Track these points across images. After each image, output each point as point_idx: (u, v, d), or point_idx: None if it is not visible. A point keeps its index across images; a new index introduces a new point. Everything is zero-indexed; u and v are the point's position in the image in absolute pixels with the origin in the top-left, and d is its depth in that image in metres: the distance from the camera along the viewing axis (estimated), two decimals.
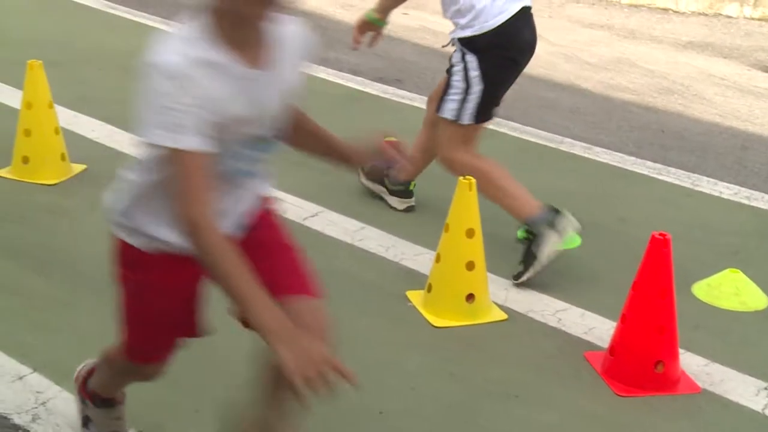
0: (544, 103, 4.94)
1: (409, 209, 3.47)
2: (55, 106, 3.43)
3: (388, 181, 3.50)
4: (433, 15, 6.35)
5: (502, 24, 2.90)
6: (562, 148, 4.20)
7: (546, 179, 3.85)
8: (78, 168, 3.51)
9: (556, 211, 2.93)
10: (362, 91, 4.75)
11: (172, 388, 2.13)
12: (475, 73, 2.95)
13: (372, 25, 3.19)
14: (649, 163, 4.10)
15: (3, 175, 3.40)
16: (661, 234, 2.37)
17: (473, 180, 2.67)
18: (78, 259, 2.92)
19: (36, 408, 2.20)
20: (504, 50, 2.95)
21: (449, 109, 3.01)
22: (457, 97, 2.98)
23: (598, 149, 4.23)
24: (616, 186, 3.84)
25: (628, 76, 5.48)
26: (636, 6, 7.03)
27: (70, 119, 3.87)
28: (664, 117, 4.89)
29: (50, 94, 3.38)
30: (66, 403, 2.22)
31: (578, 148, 4.20)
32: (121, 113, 4.06)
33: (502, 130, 4.35)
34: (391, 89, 4.83)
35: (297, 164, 3.74)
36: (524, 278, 2.93)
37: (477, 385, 2.45)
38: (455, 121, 3.01)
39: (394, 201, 3.45)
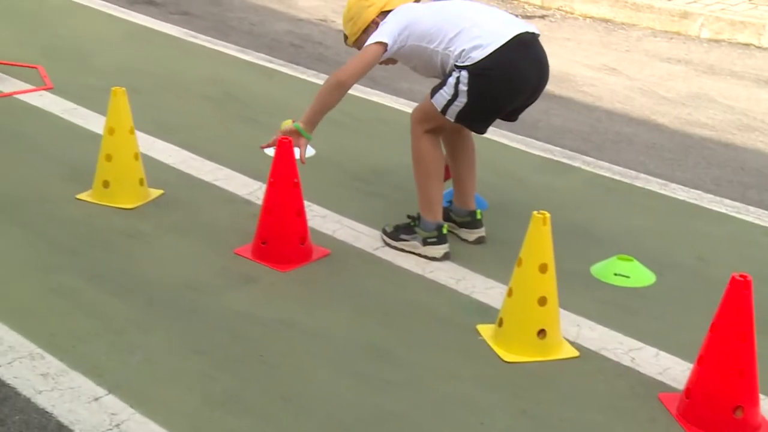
0: (619, 137, 4.88)
1: (479, 240, 3.45)
2: (135, 131, 3.50)
3: (453, 214, 3.48)
4: None
5: (489, 56, 3.06)
6: (638, 183, 4.13)
7: (620, 215, 3.79)
8: (155, 193, 3.58)
9: (440, 237, 3.25)
10: None
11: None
12: (463, 87, 3.10)
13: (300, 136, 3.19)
14: (728, 201, 4.01)
15: (84, 198, 3.49)
16: (741, 275, 2.31)
17: (547, 215, 2.65)
18: (154, 283, 2.97)
19: (110, 429, 2.24)
20: (492, 78, 3.09)
21: (438, 102, 3.16)
22: (447, 97, 3.13)
23: (674, 186, 4.15)
24: (694, 224, 3.76)
25: (707, 111, 5.38)
26: (716, 41, 6.92)
27: (148, 144, 3.96)
28: (743, 154, 4.78)
29: (132, 120, 3.46)
30: (139, 426, 2.26)
31: (654, 185, 4.13)
32: (197, 139, 4.15)
33: (575, 164, 4.31)
34: None
35: (369, 194, 3.79)
36: (389, 240, 3.32)
37: (550, 423, 2.41)
38: (439, 112, 3.17)
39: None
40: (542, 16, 7.11)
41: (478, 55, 3.07)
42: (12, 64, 4.82)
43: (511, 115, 3.35)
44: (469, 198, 3.47)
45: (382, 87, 5.24)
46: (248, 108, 4.65)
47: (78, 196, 3.49)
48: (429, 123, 3.23)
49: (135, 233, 3.29)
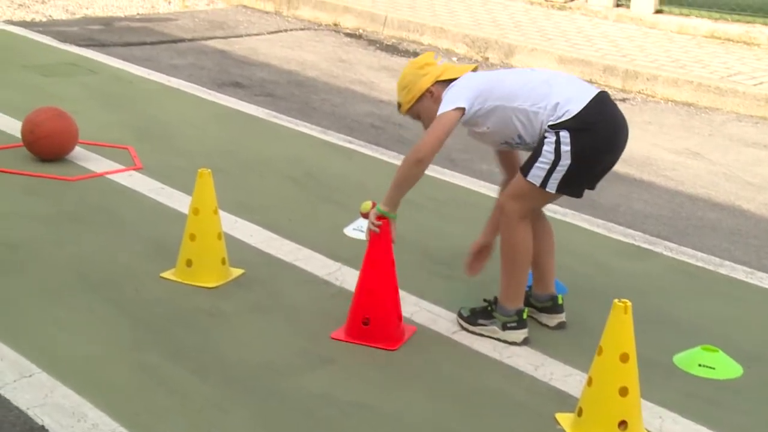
0: (702, 223, 4.79)
1: (560, 326, 3.40)
2: (219, 211, 3.59)
3: (533, 299, 3.45)
4: None
5: (588, 105, 3.04)
6: (722, 271, 4.04)
7: (704, 304, 3.71)
8: (236, 272, 3.65)
9: (520, 321, 3.21)
10: None
11: None
12: (566, 148, 3.02)
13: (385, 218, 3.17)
14: None
15: (168, 276, 3.57)
16: None
17: (629, 303, 2.61)
18: (234, 363, 3.00)
19: None
20: (597, 130, 3.05)
21: (535, 175, 3.07)
22: (546, 167, 3.04)
23: (761, 274, 4.04)
24: None
25: None
26: None
27: (230, 224, 4.04)
28: None
29: (216, 201, 3.55)
30: None
31: (740, 273, 4.03)
32: (278, 220, 4.22)
33: (657, 249, 4.24)
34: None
35: (447, 277, 3.79)
36: (466, 325, 3.30)
37: None
38: (539, 187, 3.08)
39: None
40: (623, 99, 7.10)
41: (577, 107, 3.03)
42: (104, 145, 5.00)
43: (596, 180, 3.25)
44: (550, 283, 3.43)
45: (461, 168, 5.27)
46: (328, 188, 4.72)
47: (162, 275, 3.57)
48: (523, 206, 3.15)
49: (216, 312, 3.34)
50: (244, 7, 9.74)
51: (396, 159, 5.21)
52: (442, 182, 4.95)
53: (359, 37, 8.82)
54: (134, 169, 4.71)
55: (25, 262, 3.59)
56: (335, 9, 9.23)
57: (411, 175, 3.12)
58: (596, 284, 3.83)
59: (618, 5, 9.61)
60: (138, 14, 8.90)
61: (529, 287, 3.45)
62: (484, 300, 3.35)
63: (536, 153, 3.08)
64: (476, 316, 3.32)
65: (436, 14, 9.13)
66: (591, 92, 3.11)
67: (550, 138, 3.03)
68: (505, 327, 3.24)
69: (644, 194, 5.17)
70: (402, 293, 3.50)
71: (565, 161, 3.02)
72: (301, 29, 8.97)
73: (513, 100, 3.10)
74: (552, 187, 3.07)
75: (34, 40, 7.30)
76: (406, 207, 4.14)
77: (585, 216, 4.63)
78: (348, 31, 8.99)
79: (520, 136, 3.14)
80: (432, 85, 3.20)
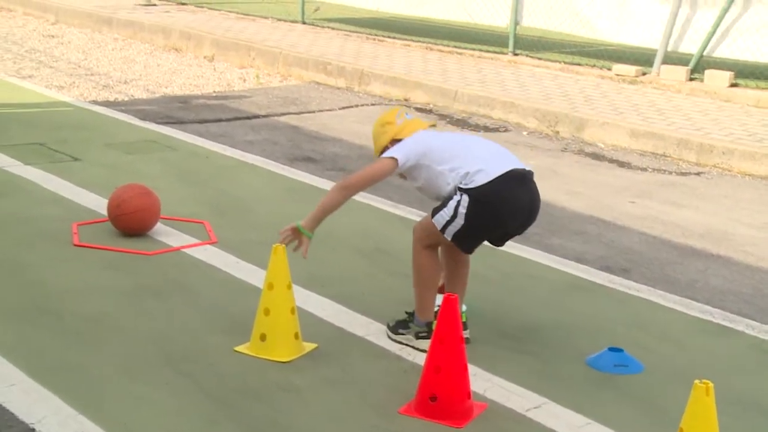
0: None
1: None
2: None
3: None
4: (661, 204, 6.27)
5: (491, 181, 3.47)
6: None
7: None
8: (309, 346, 3.67)
9: (429, 332, 3.59)
10: (586, 280, 4.69)
11: None
12: (462, 210, 3.49)
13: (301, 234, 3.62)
14: None
15: (242, 350, 3.60)
16: None
17: (710, 385, 2.54)
18: None
19: None
20: (491, 204, 3.50)
21: (438, 222, 3.56)
22: (446, 218, 3.53)
23: None
24: None
25: None
26: None
27: (303, 298, 4.07)
28: None
29: (289, 276, 3.59)
30: None
31: None
32: (349, 293, 4.24)
33: (738, 327, 4.14)
34: (617, 279, 4.74)
35: (519, 351, 3.75)
36: (390, 333, 3.77)
37: None
38: (439, 230, 3.56)
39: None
40: (698, 173, 7.01)
41: (481, 180, 3.48)
42: (181, 220, 5.12)
43: (497, 241, 3.75)
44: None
45: (531, 242, 5.25)
46: (398, 262, 4.73)
47: (236, 349, 3.61)
48: (428, 239, 3.64)
49: (289, 387, 3.35)
50: (317, 83, 9.96)
51: None
52: (511, 255, 4.93)
53: (430, 111, 8.93)
54: (210, 244, 4.80)
55: (105, 335, 3.66)
56: (406, 84, 9.38)
57: (334, 199, 3.60)
58: (674, 363, 3.74)
59: (691, 79, 9.57)
60: (214, 92, 9.17)
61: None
62: (405, 312, 3.84)
63: (444, 203, 3.57)
64: (398, 326, 3.79)
65: (506, 89, 9.20)
66: (504, 167, 3.52)
67: (456, 197, 3.51)
68: (417, 336, 3.71)
69: (722, 270, 5.06)
70: (473, 368, 3.46)
71: (460, 221, 3.50)
72: (372, 104, 9.12)
73: (439, 164, 3.56)
74: (448, 235, 3.56)
75: (116, 119, 7.57)
76: (475, 281, 4.15)
77: (660, 292, 4.55)
78: (418, 105, 9.11)
79: (440, 193, 3.61)
80: (389, 142, 3.70)
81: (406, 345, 3.72)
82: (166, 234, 4.89)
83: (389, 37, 11.82)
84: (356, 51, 10.86)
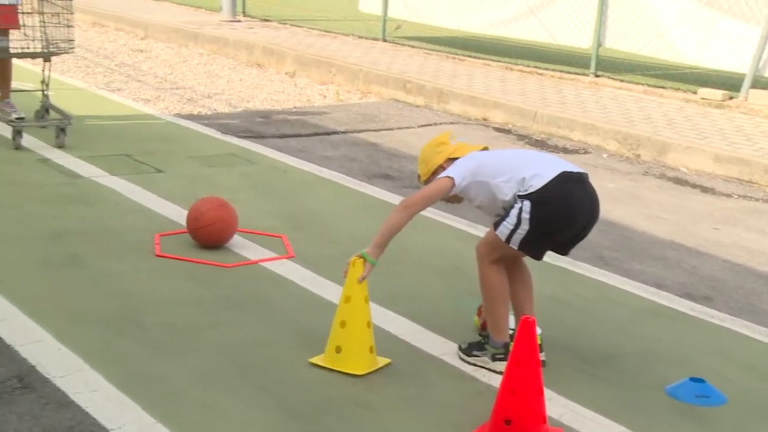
0: None
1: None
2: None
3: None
4: (747, 231, 6.11)
5: (548, 183, 3.51)
6: None
7: None
8: (383, 361, 3.68)
9: (506, 353, 3.52)
10: (667, 307, 4.59)
11: None
12: (526, 216, 3.51)
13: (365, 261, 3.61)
14: None
15: (316, 362, 3.63)
16: None
17: None
18: None
19: None
20: (554, 205, 3.52)
21: (503, 233, 3.59)
22: (510, 227, 3.55)
23: None
24: None
25: None
26: None
27: (379, 315, 4.07)
28: None
29: (367, 290, 3.60)
30: None
31: None
32: (425, 312, 4.23)
33: None
34: (698, 307, 4.63)
35: (598, 378, 3.68)
36: (463, 356, 3.74)
37: None
38: (503, 241, 3.59)
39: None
40: None
41: (539, 183, 3.52)
42: (259, 233, 5.19)
43: (563, 247, 3.74)
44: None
45: (611, 267, 5.16)
46: (475, 282, 4.67)
47: (311, 360, 3.64)
48: (494, 253, 3.66)
49: (363, 403, 3.35)
50: (396, 100, 10.01)
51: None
52: (591, 280, 4.86)
53: (508, 131, 8.88)
54: (287, 258, 4.85)
55: (183, 345, 3.72)
56: (485, 104, 9.35)
57: (396, 220, 3.61)
58: (759, 396, 3.62)
59: None
60: (294, 107, 9.29)
61: (513, 330, 3.73)
62: (479, 334, 3.85)
63: (504, 215, 3.59)
64: (472, 348, 3.77)
65: (586, 110, 9.10)
66: (555, 171, 3.56)
67: (517, 205, 3.54)
68: (494, 358, 3.69)
69: None
70: (549, 392, 3.42)
71: (525, 227, 3.53)
72: (451, 123, 9.11)
73: (494, 177, 3.61)
74: (514, 244, 3.58)
75: (199, 132, 7.72)
76: (552, 304, 4.09)
77: (745, 321, 4.43)
78: (497, 125, 9.07)
79: (503, 205, 3.62)
80: (445, 161, 3.75)
81: (481, 367, 3.70)
82: (244, 247, 4.95)
83: (469, 56, 11.82)
84: (436, 69, 10.89)
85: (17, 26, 6.64)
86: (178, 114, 8.40)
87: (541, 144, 8.43)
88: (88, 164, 6.28)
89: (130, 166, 6.35)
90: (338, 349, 3.59)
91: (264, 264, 4.74)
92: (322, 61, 10.96)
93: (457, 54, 11.92)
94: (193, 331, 3.86)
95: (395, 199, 6.18)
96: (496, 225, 3.60)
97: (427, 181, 3.79)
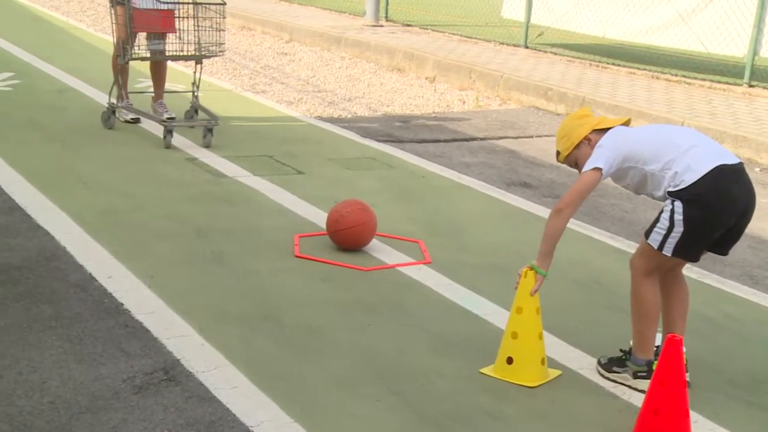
0: None
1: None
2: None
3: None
4: None
5: (701, 178, 3.33)
6: None
7: None
8: (554, 373, 3.65)
9: (649, 372, 3.45)
10: None
11: None
12: (679, 217, 3.37)
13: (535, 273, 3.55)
14: None
15: (487, 372, 3.62)
16: None
17: None
18: None
19: None
20: (707, 202, 3.35)
21: (654, 239, 3.45)
22: (663, 232, 3.41)
23: None
24: None
25: None
26: None
27: None
28: None
29: (539, 301, 3.56)
30: None
31: None
32: (564, 325, 4.13)
33: None
34: None
35: (749, 404, 3.50)
36: (602, 371, 3.63)
37: None
38: (656, 250, 3.44)
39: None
40: None
41: (691, 178, 3.34)
42: (397, 238, 5.20)
43: (722, 247, 3.53)
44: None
45: (762, 287, 4.92)
46: (616, 297, 4.57)
47: (481, 371, 3.63)
48: (648, 266, 3.51)
49: (497, 414, 3.30)
50: (536, 108, 9.87)
51: (686, 270, 4.96)
52: (740, 299, 4.64)
53: None
54: (423, 263, 4.84)
55: (321, 346, 3.77)
56: (629, 113, 9.09)
57: (555, 226, 3.53)
58: None
59: None
60: (434, 113, 9.29)
61: (658, 347, 3.64)
62: (620, 350, 3.68)
63: (657, 219, 3.46)
64: (612, 364, 3.64)
65: (738, 122, 8.72)
66: (709, 165, 3.35)
67: (668, 206, 3.40)
68: (635, 376, 3.56)
69: None
70: (695, 415, 3.28)
71: (679, 228, 3.37)
72: None
73: (645, 164, 3.46)
74: (668, 250, 3.43)
75: (339, 135, 7.82)
76: (702, 323, 3.91)
77: None
78: None
79: (652, 193, 3.51)
80: (590, 133, 3.58)
81: (621, 384, 3.59)
82: (381, 250, 4.98)
83: (614, 64, 11.53)
84: (578, 77, 10.67)
85: (174, 30, 6.91)
86: (319, 116, 8.54)
87: None
88: (233, 164, 6.46)
89: (272, 167, 6.50)
90: (510, 360, 3.56)
91: (400, 268, 4.74)
92: (462, 66, 10.92)
93: (601, 62, 11.65)
94: (330, 333, 3.89)
95: (534, 208, 6.09)
96: (648, 233, 3.47)
97: (568, 158, 3.65)
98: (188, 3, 6.93)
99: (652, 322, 3.54)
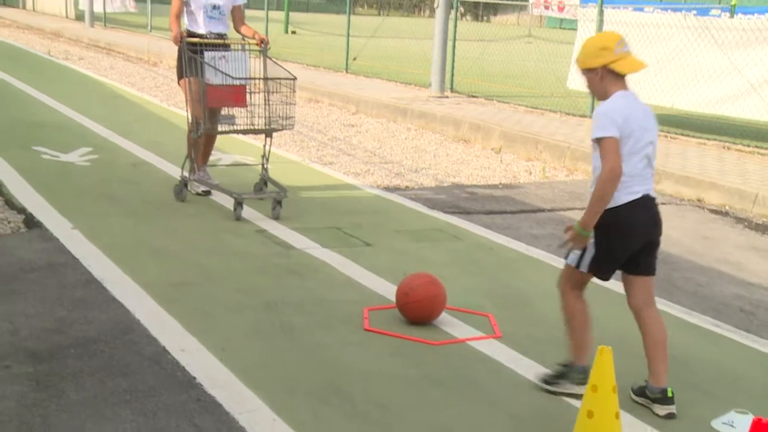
0: None
1: (669, 416, 3.91)
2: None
3: (647, 390, 4.00)
4: None
5: (615, 208, 3.82)
6: None
7: None
8: None
9: (584, 377, 3.87)
10: None
11: None
12: (592, 240, 3.90)
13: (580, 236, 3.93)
14: None
15: None
16: None
17: None
18: None
19: None
20: (615, 229, 3.88)
21: (572, 259, 4.05)
22: (579, 252, 3.98)
23: None
24: None
25: None
26: None
27: None
28: None
29: (614, 378, 3.47)
30: None
31: None
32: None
33: None
34: None
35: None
36: (545, 386, 4.10)
37: None
38: (574, 267, 4.03)
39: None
40: None
41: (611, 205, 3.81)
42: (466, 311, 5.17)
43: (634, 267, 4.03)
44: (659, 375, 3.99)
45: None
46: (693, 374, 4.46)
47: None
48: (571, 284, 4.09)
49: None
50: None
51: None
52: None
53: (725, 214, 8.46)
54: (494, 338, 4.79)
55: (391, 422, 3.73)
56: (699, 184, 8.97)
57: (602, 190, 3.77)
58: None
59: None
60: (500, 183, 9.28)
61: (647, 380, 4.05)
62: (558, 364, 4.15)
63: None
64: (554, 378, 4.09)
65: None
66: (629, 197, 3.84)
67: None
68: (576, 382, 4.00)
69: None
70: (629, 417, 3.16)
71: (591, 250, 3.93)
72: (662, 203, 8.74)
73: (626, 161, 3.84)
74: (584, 267, 4.01)
75: (406, 206, 7.86)
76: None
77: None
78: (713, 207, 8.67)
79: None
80: (601, 67, 3.86)
81: (563, 393, 4.02)
82: (450, 324, 4.94)
83: (683, 134, 11.43)
84: None
85: (245, 105, 7.08)
86: (386, 188, 8.61)
87: (762, 228, 7.95)
88: (302, 236, 6.53)
89: (340, 239, 6.54)
90: None
91: (470, 343, 4.70)
92: (528, 137, 10.94)
93: (669, 132, 11.56)
94: (401, 409, 3.86)
95: (604, 281, 5.99)
96: (567, 254, 4.06)
97: (582, 72, 3.95)
98: (260, 79, 7.11)
99: (584, 332, 4.06)
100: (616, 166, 3.74)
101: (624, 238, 3.91)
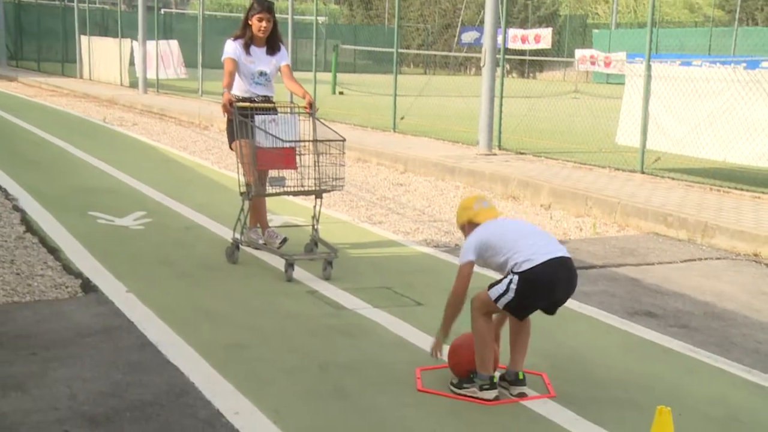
0: None
1: (520, 395, 4.68)
2: None
3: (506, 374, 4.79)
4: None
5: (536, 266, 4.50)
6: None
7: None
8: None
9: (491, 384, 4.65)
10: None
11: None
12: (513, 286, 4.52)
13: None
14: None
15: None
16: None
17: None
18: None
19: None
20: (535, 283, 4.52)
21: (493, 294, 4.61)
22: (500, 292, 4.58)
23: None
24: None
25: None
26: None
27: None
28: None
29: None
30: None
31: None
32: None
33: None
34: None
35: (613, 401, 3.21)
36: (455, 389, 4.75)
37: None
38: (493, 301, 4.61)
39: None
40: None
41: (527, 266, 4.50)
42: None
43: (548, 309, 4.80)
44: (517, 362, 4.80)
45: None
46: None
47: None
48: (485, 308, 4.64)
49: None
50: (656, 234, 9.69)
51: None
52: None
53: None
54: (548, 397, 4.73)
55: None
56: (755, 239, 8.83)
57: (453, 313, 4.84)
58: None
59: None
60: None
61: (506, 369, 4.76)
62: (470, 373, 4.69)
63: (500, 279, 4.60)
64: (462, 382, 4.71)
65: None
66: (544, 257, 4.52)
67: (509, 276, 4.55)
68: (481, 388, 4.63)
69: None
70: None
71: (511, 294, 4.54)
72: (717, 258, 8.66)
73: (498, 254, 4.63)
74: (501, 305, 4.59)
75: (456, 265, 7.81)
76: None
77: None
78: None
79: (503, 269, 4.65)
80: (466, 222, 4.90)
81: (470, 397, 4.63)
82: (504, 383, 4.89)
83: (736, 188, 11.29)
84: (698, 202, 10.48)
85: (295, 167, 7.18)
86: (435, 246, 8.61)
87: None
88: (353, 296, 6.54)
89: (390, 299, 6.55)
90: None
91: (524, 402, 4.65)
92: (578, 193, 10.89)
93: (722, 186, 11.42)
94: None
95: (659, 339, 5.91)
96: (490, 287, 4.62)
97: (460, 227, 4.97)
98: (309, 141, 7.21)
99: (488, 346, 4.65)
100: (456, 293, 4.79)
101: (543, 290, 4.63)
